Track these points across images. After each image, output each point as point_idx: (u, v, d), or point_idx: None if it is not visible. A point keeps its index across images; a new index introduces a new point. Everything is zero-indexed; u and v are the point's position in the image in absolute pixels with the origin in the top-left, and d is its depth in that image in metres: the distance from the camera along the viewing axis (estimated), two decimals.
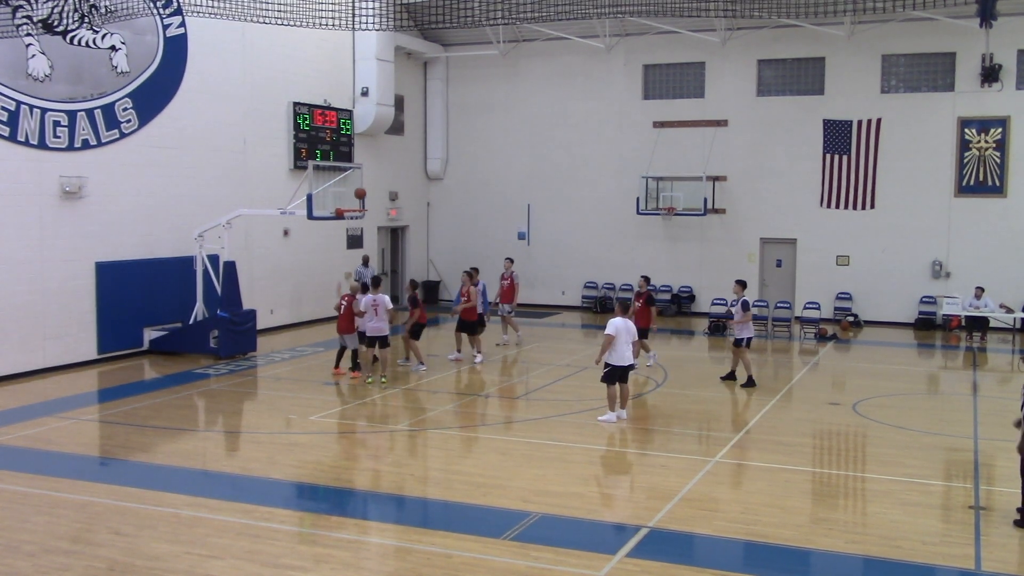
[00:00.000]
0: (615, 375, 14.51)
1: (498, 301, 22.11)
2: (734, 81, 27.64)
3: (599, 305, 28.79)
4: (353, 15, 17.99)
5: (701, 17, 25.21)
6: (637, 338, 14.85)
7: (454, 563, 8.86)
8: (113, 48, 19.58)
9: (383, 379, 17.33)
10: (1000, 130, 25.08)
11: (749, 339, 17.53)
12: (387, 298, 17.41)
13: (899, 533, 9.73)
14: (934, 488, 11.46)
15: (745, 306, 17.46)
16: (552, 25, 27.28)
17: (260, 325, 21.63)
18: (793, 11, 22.52)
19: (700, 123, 28.04)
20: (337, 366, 18.43)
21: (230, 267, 20.15)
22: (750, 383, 17.29)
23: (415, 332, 18.92)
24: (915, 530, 9.85)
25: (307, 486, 11.68)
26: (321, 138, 25.59)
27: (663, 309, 28.31)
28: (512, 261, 22.82)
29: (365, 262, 24.79)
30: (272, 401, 16.42)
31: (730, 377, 17.85)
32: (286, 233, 24.75)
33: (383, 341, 17.26)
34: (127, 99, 19.89)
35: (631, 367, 14.69)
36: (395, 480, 11.74)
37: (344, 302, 18.01)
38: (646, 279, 20.20)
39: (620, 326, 14.43)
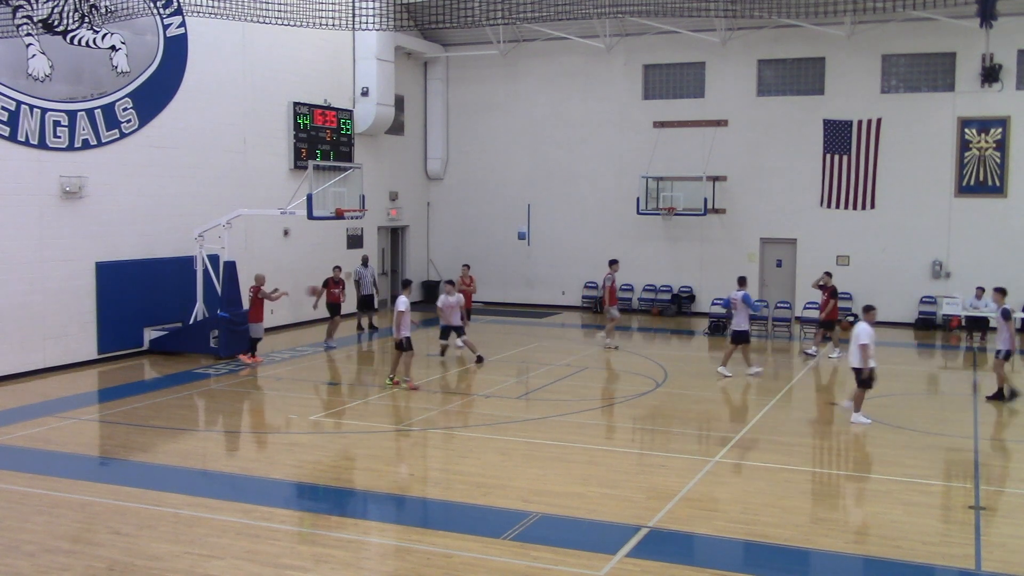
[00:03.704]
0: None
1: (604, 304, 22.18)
2: (734, 81, 27.64)
3: (599, 305, 28.77)
4: (353, 15, 17.97)
5: (701, 17, 25.22)
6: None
7: (454, 563, 8.86)
8: (113, 48, 19.58)
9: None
10: (1000, 130, 25.08)
11: (1008, 352, 15.89)
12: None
13: (899, 533, 9.72)
14: (934, 488, 11.45)
15: (1006, 315, 15.84)
16: (552, 25, 27.28)
17: None
18: (793, 11, 22.54)
19: (700, 123, 28.04)
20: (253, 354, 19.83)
21: (230, 267, 20.16)
22: (1000, 396, 16.14)
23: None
24: (915, 530, 9.85)
25: (307, 486, 11.68)
26: (321, 138, 25.59)
27: (663, 309, 28.34)
28: (615, 263, 22.42)
29: (365, 262, 24.78)
30: (272, 401, 16.44)
31: (997, 396, 16.17)
32: (286, 233, 24.76)
33: None
34: (127, 99, 19.89)
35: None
36: (395, 480, 11.74)
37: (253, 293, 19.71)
38: (829, 274, 20.88)
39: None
